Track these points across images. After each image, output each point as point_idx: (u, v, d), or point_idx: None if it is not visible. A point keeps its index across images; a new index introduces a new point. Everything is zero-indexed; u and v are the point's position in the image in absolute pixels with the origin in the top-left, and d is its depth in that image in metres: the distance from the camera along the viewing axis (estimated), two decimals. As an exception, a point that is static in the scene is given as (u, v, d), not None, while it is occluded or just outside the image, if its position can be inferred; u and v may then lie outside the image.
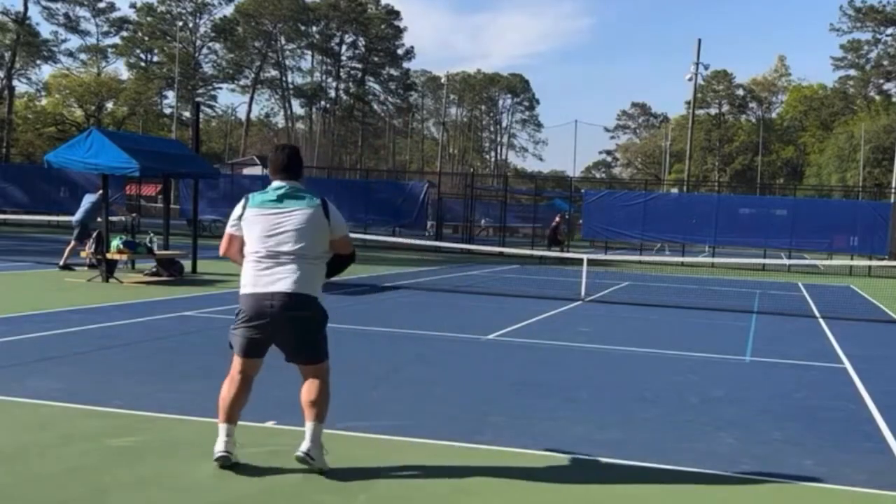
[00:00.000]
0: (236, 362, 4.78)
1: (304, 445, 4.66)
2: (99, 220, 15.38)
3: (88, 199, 16.51)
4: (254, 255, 4.71)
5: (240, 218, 4.78)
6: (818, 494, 4.88)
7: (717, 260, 25.54)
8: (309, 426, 4.71)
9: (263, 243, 4.67)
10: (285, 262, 4.64)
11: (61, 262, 16.06)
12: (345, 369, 8.01)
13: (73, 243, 16.15)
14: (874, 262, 26.79)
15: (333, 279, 4.85)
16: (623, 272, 24.27)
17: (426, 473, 4.88)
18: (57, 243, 20.44)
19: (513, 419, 6.24)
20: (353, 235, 21.19)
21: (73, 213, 16.96)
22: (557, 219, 33.02)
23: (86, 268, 15.56)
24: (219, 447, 4.70)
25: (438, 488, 4.66)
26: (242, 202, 4.83)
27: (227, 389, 4.78)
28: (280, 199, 4.72)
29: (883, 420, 6.72)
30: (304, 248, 4.66)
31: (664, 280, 22.09)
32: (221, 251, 4.96)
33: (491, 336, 10.41)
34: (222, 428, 4.74)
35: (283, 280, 4.60)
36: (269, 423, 5.72)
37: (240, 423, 5.68)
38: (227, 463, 4.70)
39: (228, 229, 4.87)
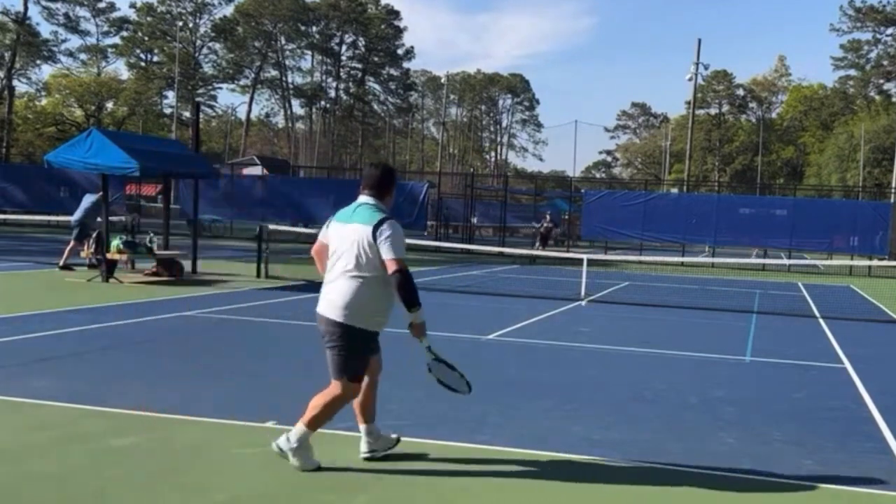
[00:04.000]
0: None
1: (280, 439, 4.82)
2: (99, 219, 15.38)
3: (88, 199, 16.51)
4: (326, 271, 4.90)
5: (326, 226, 4.96)
6: (818, 494, 4.88)
7: (717, 260, 25.53)
8: (297, 424, 4.84)
9: (331, 259, 4.83)
10: (333, 282, 4.77)
11: (61, 262, 16.05)
12: (345, 369, 8.02)
13: (72, 243, 16.15)
14: (874, 262, 26.77)
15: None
16: (623, 272, 24.26)
17: (426, 473, 4.88)
18: (57, 243, 20.44)
19: (512, 419, 6.24)
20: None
21: (72, 213, 16.95)
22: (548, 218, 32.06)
23: (86, 268, 15.56)
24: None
25: (438, 488, 4.66)
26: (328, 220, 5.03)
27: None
28: (351, 214, 4.82)
29: (883, 420, 6.72)
30: (353, 271, 4.70)
31: (664, 280, 22.09)
32: (313, 251, 5.13)
33: (491, 336, 10.41)
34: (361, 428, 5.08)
35: (326, 300, 4.77)
36: (270, 423, 5.71)
37: (240, 422, 5.71)
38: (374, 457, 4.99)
39: (320, 236, 5.06)
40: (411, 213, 32.89)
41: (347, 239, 4.70)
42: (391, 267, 4.64)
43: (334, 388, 4.82)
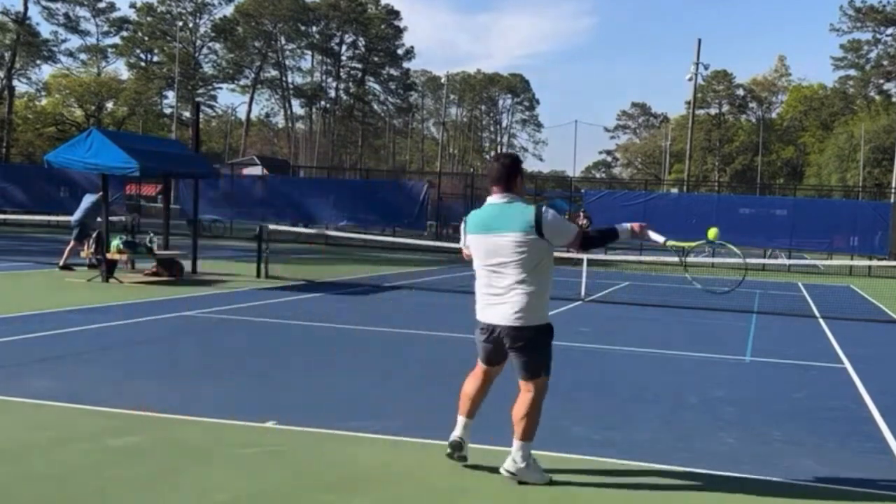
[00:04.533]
0: (478, 364, 5.07)
1: (506, 462, 4.74)
2: (99, 219, 15.38)
3: (88, 199, 16.51)
4: (479, 279, 4.85)
5: (464, 244, 4.94)
6: (818, 494, 4.87)
7: (717, 260, 25.50)
8: (514, 444, 4.75)
9: (484, 269, 4.77)
10: (503, 292, 4.66)
11: (61, 262, 16.04)
12: (346, 369, 8.02)
13: (72, 243, 16.14)
14: (874, 262, 26.76)
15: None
16: (623, 272, 24.26)
17: (426, 473, 4.88)
18: (57, 243, 20.44)
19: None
20: (352, 235, 21.08)
21: (73, 214, 16.95)
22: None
23: (86, 268, 15.55)
24: (454, 433, 4.94)
25: (438, 488, 4.66)
26: (462, 226, 4.92)
27: (469, 385, 5.06)
28: (493, 219, 4.65)
29: (883, 420, 6.72)
30: (523, 275, 4.60)
31: (664, 280, 22.09)
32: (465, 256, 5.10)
33: (491, 336, 10.39)
34: (459, 420, 4.98)
35: (501, 311, 4.69)
36: (269, 423, 5.71)
37: (240, 422, 5.70)
38: (458, 450, 4.89)
39: (464, 249, 5.03)
40: (411, 213, 32.91)
41: (506, 249, 4.60)
42: (576, 243, 4.73)
43: (531, 389, 4.80)
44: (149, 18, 79.71)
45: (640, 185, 63.56)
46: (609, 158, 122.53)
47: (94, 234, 14.94)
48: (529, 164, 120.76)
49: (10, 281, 14.79)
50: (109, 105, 70.87)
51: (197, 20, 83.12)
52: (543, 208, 4.62)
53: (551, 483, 4.75)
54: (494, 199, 4.71)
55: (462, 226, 4.92)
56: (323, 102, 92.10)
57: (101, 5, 75.32)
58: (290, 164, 65.25)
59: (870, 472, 5.27)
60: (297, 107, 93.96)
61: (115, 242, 14.63)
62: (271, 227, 19.12)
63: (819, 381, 8.57)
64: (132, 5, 79.69)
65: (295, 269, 18.74)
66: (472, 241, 4.78)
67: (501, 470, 4.72)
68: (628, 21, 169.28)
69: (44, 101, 71.01)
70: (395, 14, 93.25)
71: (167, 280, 15.09)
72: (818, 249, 31.12)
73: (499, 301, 4.70)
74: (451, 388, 7.29)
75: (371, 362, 8.38)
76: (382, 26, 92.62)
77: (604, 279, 20.34)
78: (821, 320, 13.96)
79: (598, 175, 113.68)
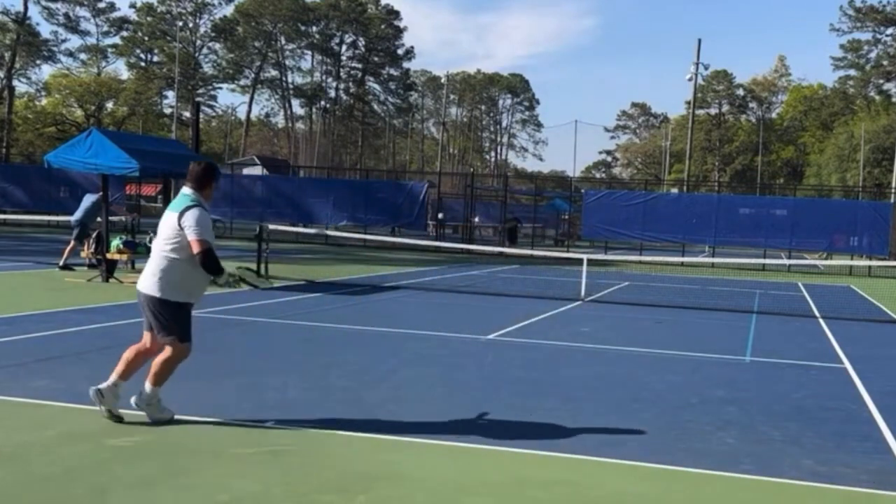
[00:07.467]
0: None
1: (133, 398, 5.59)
2: (99, 219, 15.38)
3: (89, 199, 16.51)
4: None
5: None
6: (818, 494, 4.88)
7: (717, 260, 25.53)
8: (146, 385, 5.59)
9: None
10: (151, 260, 5.67)
11: (61, 262, 16.05)
12: (345, 369, 8.01)
13: (72, 243, 16.15)
14: (874, 262, 26.77)
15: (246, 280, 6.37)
16: (623, 272, 24.27)
17: (426, 473, 4.88)
18: (57, 243, 20.44)
19: (512, 419, 6.24)
20: (353, 235, 21.06)
21: (73, 214, 16.95)
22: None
23: (86, 268, 15.56)
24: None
25: (438, 488, 4.66)
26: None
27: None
28: (172, 203, 5.69)
29: (883, 420, 6.72)
30: (160, 247, 5.54)
31: (664, 280, 22.09)
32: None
33: (491, 336, 10.41)
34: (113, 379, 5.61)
35: (144, 276, 5.63)
36: (270, 423, 5.71)
37: (240, 422, 5.70)
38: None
39: None
40: (411, 213, 32.92)
41: (165, 224, 5.59)
42: (196, 246, 5.46)
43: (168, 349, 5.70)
44: (149, 18, 79.71)
45: (640, 185, 63.51)
46: (609, 158, 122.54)
47: (94, 234, 14.95)
48: (529, 164, 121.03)
49: (10, 281, 14.79)
50: (109, 105, 70.86)
51: (197, 20, 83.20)
52: (197, 208, 5.48)
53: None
54: (182, 189, 5.68)
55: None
56: (323, 102, 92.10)
57: (101, 5, 75.36)
58: (290, 164, 65.25)
59: (870, 472, 5.28)
60: (297, 107, 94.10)
61: (115, 242, 14.64)
62: (271, 226, 19.12)
63: (819, 381, 8.57)
64: (132, 5, 79.80)
65: (295, 269, 18.74)
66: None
67: (132, 401, 5.53)
68: (629, 21, 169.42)
69: (44, 101, 71.03)
70: (395, 14, 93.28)
71: (167, 280, 15.05)
72: (818, 249, 31.10)
73: (146, 268, 5.62)
74: (452, 388, 7.30)
75: (371, 362, 8.38)
76: (382, 26, 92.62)
77: (604, 279, 20.34)
78: (821, 320, 13.96)
79: (598, 175, 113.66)
